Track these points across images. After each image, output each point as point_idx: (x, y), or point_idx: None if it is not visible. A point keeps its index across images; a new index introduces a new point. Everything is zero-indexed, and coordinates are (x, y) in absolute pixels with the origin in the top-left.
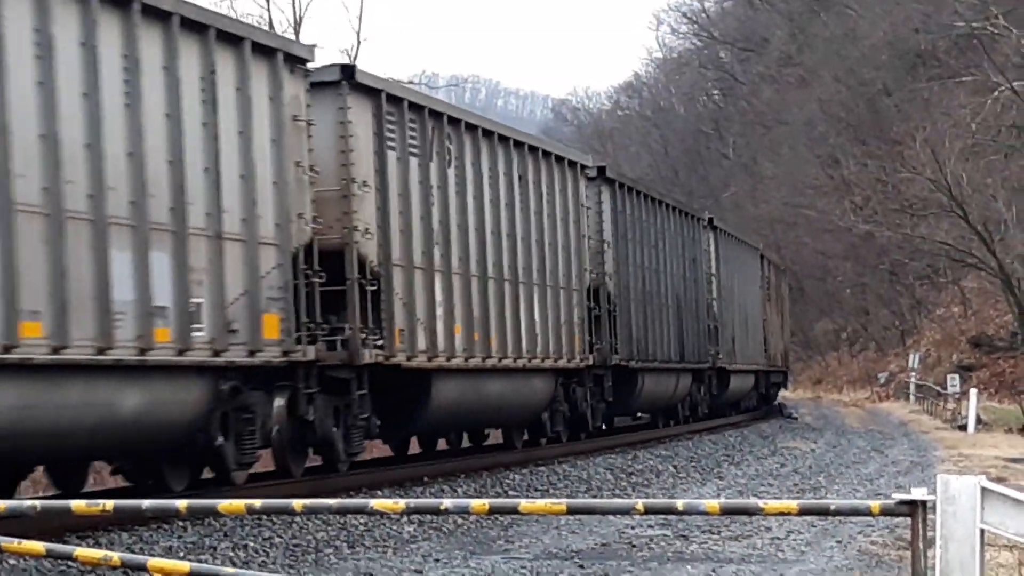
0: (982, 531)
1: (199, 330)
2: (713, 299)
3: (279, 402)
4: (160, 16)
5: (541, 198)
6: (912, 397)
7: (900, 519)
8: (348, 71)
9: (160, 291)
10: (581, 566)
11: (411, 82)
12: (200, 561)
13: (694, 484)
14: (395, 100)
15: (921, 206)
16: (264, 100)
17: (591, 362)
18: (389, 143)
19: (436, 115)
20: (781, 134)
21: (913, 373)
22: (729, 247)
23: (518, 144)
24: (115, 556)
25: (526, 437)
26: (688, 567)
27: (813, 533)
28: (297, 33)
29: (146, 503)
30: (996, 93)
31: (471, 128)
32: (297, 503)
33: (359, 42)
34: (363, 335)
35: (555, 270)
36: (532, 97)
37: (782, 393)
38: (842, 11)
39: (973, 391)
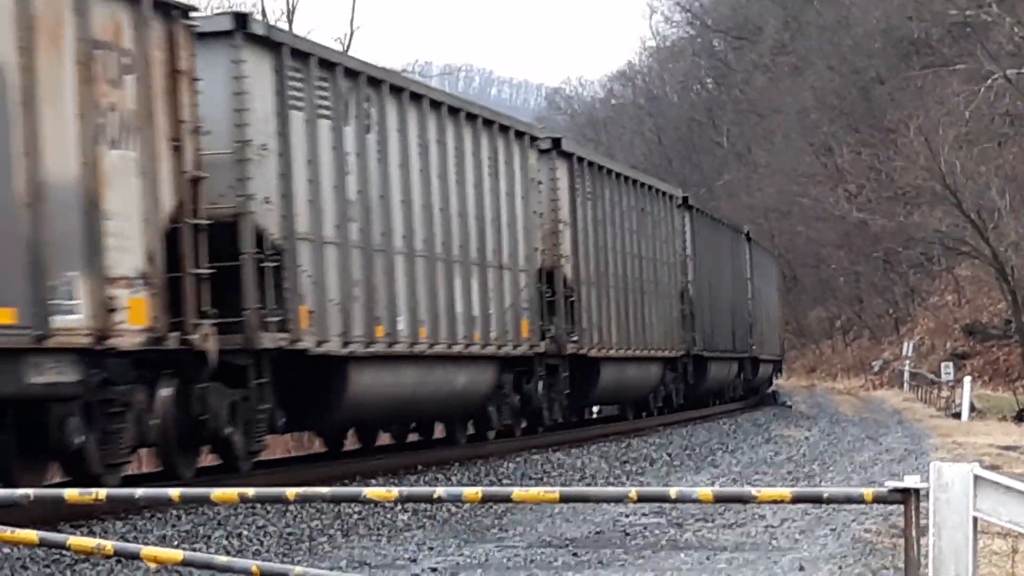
0: (975, 519)
1: (491, 331)
2: (749, 299)
3: (509, 381)
4: (471, 118)
5: (646, 226)
6: (906, 385)
7: (894, 507)
8: (557, 142)
9: (474, 305)
10: (575, 554)
11: (404, 70)
12: (194, 549)
13: (688, 472)
14: (579, 160)
15: (915, 194)
16: (518, 168)
17: (684, 353)
18: (577, 190)
19: (600, 167)
20: (775, 122)
21: (907, 361)
22: (757, 255)
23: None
24: (108, 545)
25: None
26: (682, 555)
27: (807, 521)
28: (290, 22)
29: (139, 492)
30: (990, 81)
31: (619, 176)
32: (290, 492)
33: (352, 31)
34: (565, 332)
35: (658, 280)
36: (525, 86)
37: (776, 381)
38: None
39: (967, 379)
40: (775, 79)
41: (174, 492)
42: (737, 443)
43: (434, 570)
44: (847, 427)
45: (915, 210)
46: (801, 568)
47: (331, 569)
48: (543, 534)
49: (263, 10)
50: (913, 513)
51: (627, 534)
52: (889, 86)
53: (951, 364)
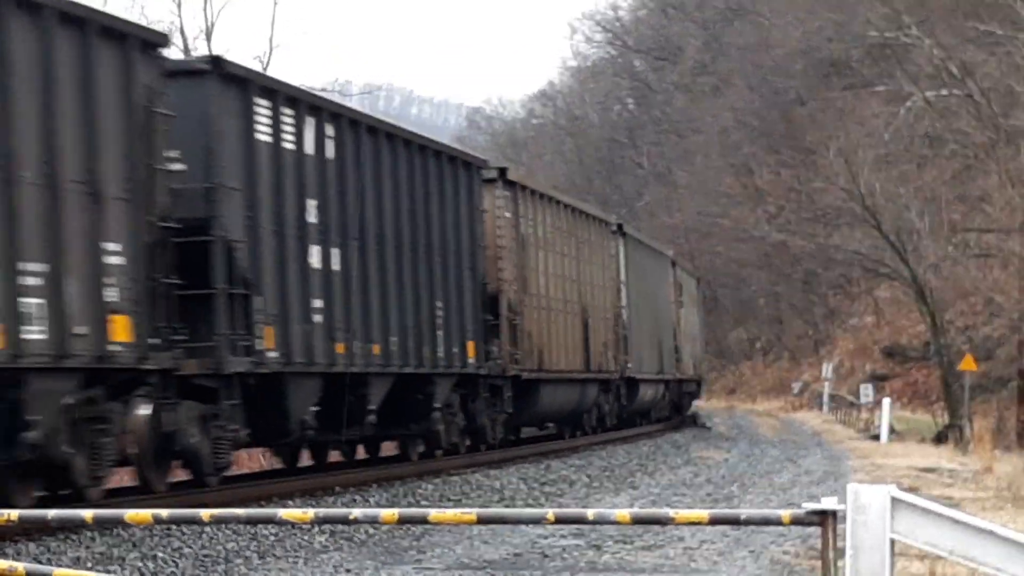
0: (892, 540)
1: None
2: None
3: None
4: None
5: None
6: (825, 407)
7: (812, 529)
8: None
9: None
10: None
11: (324, 89)
12: (108, 571)
13: (607, 494)
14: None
15: (834, 215)
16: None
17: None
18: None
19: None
20: (695, 143)
21: (827, 383)
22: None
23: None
24: (20, 567)
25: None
26: None
27: (726, 543)
28: (209, 39)
29: (51, 513)
30: (909, 103)
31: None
32: (205, 513)
33: (271, 48)
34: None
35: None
36: (446, 105)
37: (695, 402)
38: (756, 20)
39: (886, 401)
40: (696, 99)
41: (87, 513)
42: (656, 464)
43: None
44: (766, 448)
45: (835, 231)
46: None
47: None
48: (461, 556)
49: (181, 28)
50: (831, 535)
51: (546, 556)
52: (809, 107)
53: (870, 386)
